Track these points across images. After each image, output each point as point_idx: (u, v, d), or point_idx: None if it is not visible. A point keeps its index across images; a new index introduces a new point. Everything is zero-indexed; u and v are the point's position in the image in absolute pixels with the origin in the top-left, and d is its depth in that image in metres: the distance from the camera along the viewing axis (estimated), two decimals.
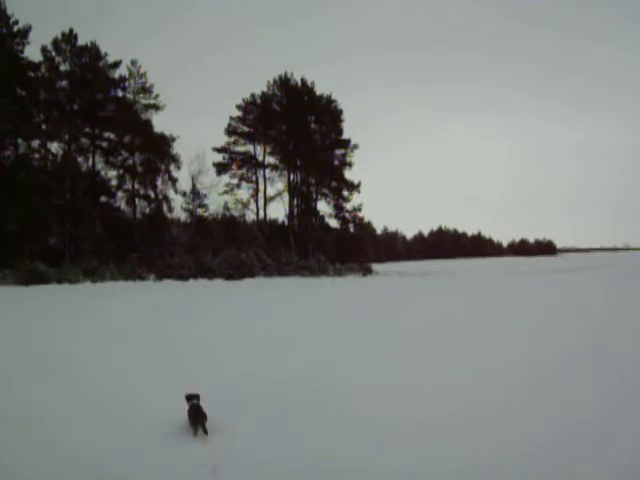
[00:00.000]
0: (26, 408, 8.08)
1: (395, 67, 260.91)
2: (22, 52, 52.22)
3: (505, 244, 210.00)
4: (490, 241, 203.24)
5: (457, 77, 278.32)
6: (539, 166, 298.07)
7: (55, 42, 54.10)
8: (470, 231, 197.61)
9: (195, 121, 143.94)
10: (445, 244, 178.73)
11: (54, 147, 54.88)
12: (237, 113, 67.05)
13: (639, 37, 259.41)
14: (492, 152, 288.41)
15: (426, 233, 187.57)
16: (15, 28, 51.89)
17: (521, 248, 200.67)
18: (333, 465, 5.79)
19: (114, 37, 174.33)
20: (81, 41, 55.20)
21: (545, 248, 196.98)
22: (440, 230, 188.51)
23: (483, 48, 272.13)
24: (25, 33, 52.17)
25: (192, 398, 7.23)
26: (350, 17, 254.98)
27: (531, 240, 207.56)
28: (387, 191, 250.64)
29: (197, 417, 6.90)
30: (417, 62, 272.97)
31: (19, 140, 52.65)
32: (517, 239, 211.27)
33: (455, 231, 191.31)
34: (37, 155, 54.47)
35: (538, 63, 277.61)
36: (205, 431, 6.78)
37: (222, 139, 67.23)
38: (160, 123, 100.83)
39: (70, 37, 54.55)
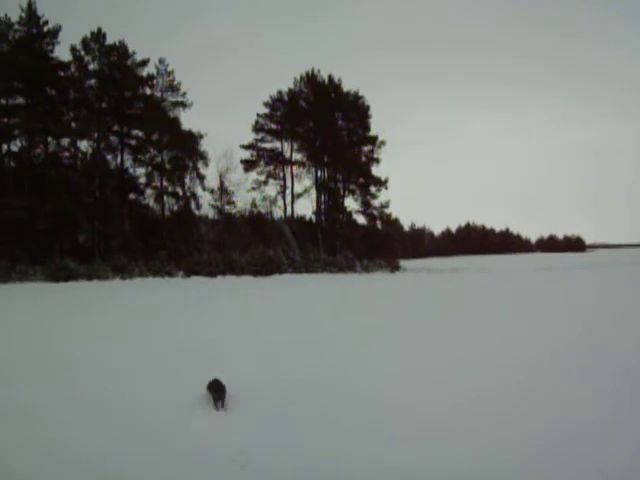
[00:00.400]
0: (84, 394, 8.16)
1: (423, 67, 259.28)
2: (52, 52, 52.90)
3: (533, 240, 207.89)
4: (518, 237, 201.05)
5: (484, 76, 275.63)
6: (569, 162, 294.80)
7: (84, 41, 54.58)
8: (498, 227, 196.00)
9: (222, 118, 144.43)
10: (473, 240, 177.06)
11: (83, 145, 55.60)
12: (264, 110, 67.20)
13: None
14: (521, 148, 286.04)
15: (454, 229, 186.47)
16: (45, 28, 52.50)
17: (550, 244, 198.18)
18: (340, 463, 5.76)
19: (140, 36, 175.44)
20: (109, 40, 55.71)
21: (574, 244, 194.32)
22: (468, 226, 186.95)
23: (506, 50, 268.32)
24: (55, 33, 52.78)
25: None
26: (378, 16, 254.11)
27: (560, 236, 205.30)
28: (415, 187, 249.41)
29: (217, 391, 7.44)
30: (443, 62, 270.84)
31: (49, 139, 53.31)
32: (546, 235, 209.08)
33: (483, 227, 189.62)
34: (67, 153, 55.20)
35: (561, 64, 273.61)
36: (223, 405, 7.40)
37: (249, 136, 67.40)
38: (188, 120, 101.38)
39: (99, 36, 55.01)
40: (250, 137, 66.71)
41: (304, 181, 67.15)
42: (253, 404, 7.79)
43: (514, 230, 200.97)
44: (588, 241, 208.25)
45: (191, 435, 6.30)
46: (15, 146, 52.58)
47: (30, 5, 51.70)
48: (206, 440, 6.18)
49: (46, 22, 52.38)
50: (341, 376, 9.48)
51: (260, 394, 8.28)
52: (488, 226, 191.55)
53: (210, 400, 7.48)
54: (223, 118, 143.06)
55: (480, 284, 33.97)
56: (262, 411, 7.53)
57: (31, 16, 51.86)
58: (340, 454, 5.97)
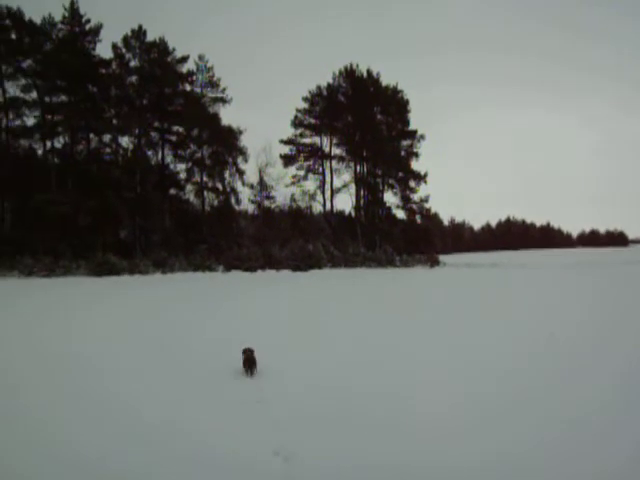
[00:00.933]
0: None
1: (463, 67, 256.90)
2: (94, 50, 53.72)
3: (575, 235, 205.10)
4: (559, 232, 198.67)
5: (524, 73, 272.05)
6: (612, 156, 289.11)
7: (125, 39, 55.27)
8: (539, 222, 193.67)
9: (261, 113, 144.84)
10: (513, 235, 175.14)
11: (124, 141, 56.50)
12: (303, 105, 67.26)
13: None
14: (563, 143, 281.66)
15: (494, 224, 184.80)
16: (87, 27, 53.28)
17: (591, 239, 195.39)
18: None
19: (177, 32, 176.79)
20: (149, 37, 56.27)
21: (616, 239, 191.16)
22: (508, 221, 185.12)
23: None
24: (97, 31, 53.62)
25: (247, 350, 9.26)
26: (421, 15, 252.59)
27: (602, 231, 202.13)
28: (455, 182, 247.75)
29: (249, 363, 9.04)
30: (485, 62, 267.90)
31: (91, 135, 54.15)
32: (587, 230, 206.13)
33: (523, 222, 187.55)
34: (108, 149, 55.95)
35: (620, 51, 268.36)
36: (252, 373, 8.99)
37: (288, 131, 67.60)
38: (227, 116, 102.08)
39: (139, 33, 55.61)
40: (289, 132, 66.97)
41: (343, 176, 67.22)
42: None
43: (555, 225, 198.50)
44: (631, 236, 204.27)
45: (235, 388, 8.36)
46: (58, 143, 53.69)
47: (73, 4, 52.56)
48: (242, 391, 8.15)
49: (88, 20, 53.25)
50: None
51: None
52: (528, 221, 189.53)
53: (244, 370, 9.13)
54: (262, 113, 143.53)
55: (527, 281, 33.40)
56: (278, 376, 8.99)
57: (74, 15, 52.69)
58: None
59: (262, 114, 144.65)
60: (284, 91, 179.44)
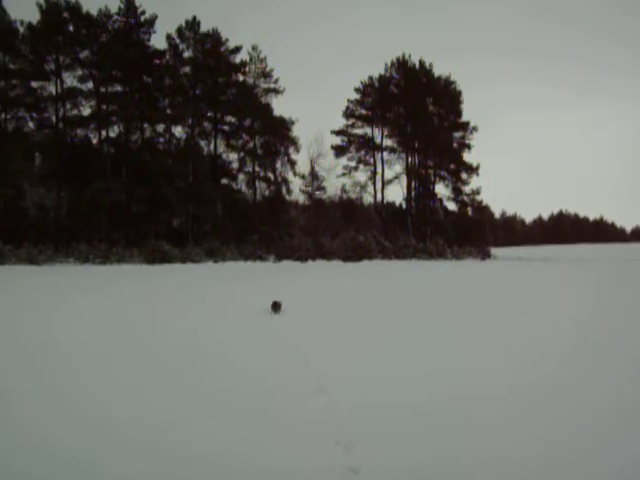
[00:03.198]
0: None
1: (520, 66, 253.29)
2: (148, 41, 54.28)
3: (629, 230, 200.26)
4: (612, 226, 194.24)
5: (576, 76, 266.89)
6: None
7: (179, 30, 55.77)
8: (592, 216, 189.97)
9: (313, 103, 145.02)
10: (565, 229, 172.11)
11: (178, 131, 57.01)
12: (355, 96, 66.96)
13: None
14: (617, 135, 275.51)
15: (546, 217, 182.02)
16: (142, 18, 53.90)
17: None
18: None
19: (231, 22, 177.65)
20: (203, 28, 56.68)
21: None
22: (560, 214, 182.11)
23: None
24: (151, 22, 54.17)
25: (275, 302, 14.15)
26: (481, 12, 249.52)
27: None
28: (507, 174, 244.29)
29: (275, 306, 14.00)
30: (540, 63, 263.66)
31: (145, 125, 54.82)
32: None
33: (576, 215, 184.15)
34: (162, 139, 56.59)
35: None
36: (277, 312, 13.87)
37: (340, 122, 67.51)
38: (280, 106, 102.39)
39: (193, 24, 56.04)
40: (341, 123, 66.87)
41: (394, 167, 66.76)
42: None
43: (608, 219, 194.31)
44: None
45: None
46: (113, 132, 54.44)
47: None
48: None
49: (143, 12, 53.82)
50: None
51: None
52: (581, 214, 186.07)
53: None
54: (314, 104, 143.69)
55: (571, 274, 32.68)
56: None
57: (129, 7, 53.34)
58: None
59: (314, 104, 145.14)
60: (336, 82, 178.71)
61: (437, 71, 67.82)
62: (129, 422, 5.74)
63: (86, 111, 53.15)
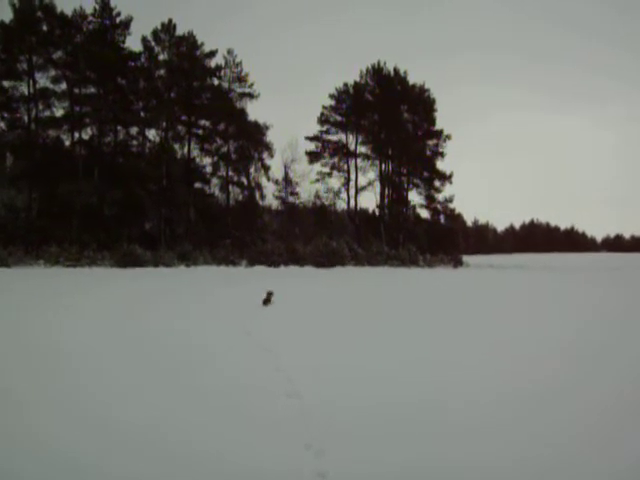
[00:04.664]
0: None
1: (490, 69, 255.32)
2: (123, 42, 54.09)
3: (599, 239, 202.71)
4: (583, 236, 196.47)
5: (548, 78, 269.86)
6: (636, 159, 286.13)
7: (155, 32, 55.55)
8: (563, 225, 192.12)
9: (287, 109, 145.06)
10: (537, 238, 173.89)
11: (151, 134, 56.73)
12: (330, 102, 67.11)
13: None
14: (587, 146, 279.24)
15: (517, 226, 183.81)
16: (117, 20, 53.65)
17: (616, 244, 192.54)
18: None
19: (204, 25, 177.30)
20: (179, 31, 56.55)
21: None
22: (532, 223, 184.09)
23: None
24: (127, 24, 53.99)
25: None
26: (450, 16, 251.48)
27: (627, 236, 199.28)
28: (479, 183, 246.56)
29: (266, 300, 16.34)
30: (512, 65, 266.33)
31: (119, 127, 54.57)
32: (612, 234, 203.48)
33: (547, 225, 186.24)
34: (135, 142, 56.32)
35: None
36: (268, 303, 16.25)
37: (315, 128, 67.52)
38: (254, 111, 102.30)
39: (169, 27, 55.87)
40: (315, 129, 66.85)
41: (368, 174, 66.80)
42: None
43: (579, 228, 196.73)
44: None
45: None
46: (86, 134, 54.13)
47: None
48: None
49: (118, 14, 53.65)
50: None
51: None
52: (553, 224, 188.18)
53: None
54: (288, 109, 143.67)
55: (557, 285, 32.98)
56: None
57: (104, 8, 53.08)
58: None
59: (288, 110, 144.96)
60: (311, 88, 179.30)
61: (411, 78, 68.28)
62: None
63: (59, 112, 52.82)
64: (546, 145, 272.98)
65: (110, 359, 9.13)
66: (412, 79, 67.80)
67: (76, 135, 53.16)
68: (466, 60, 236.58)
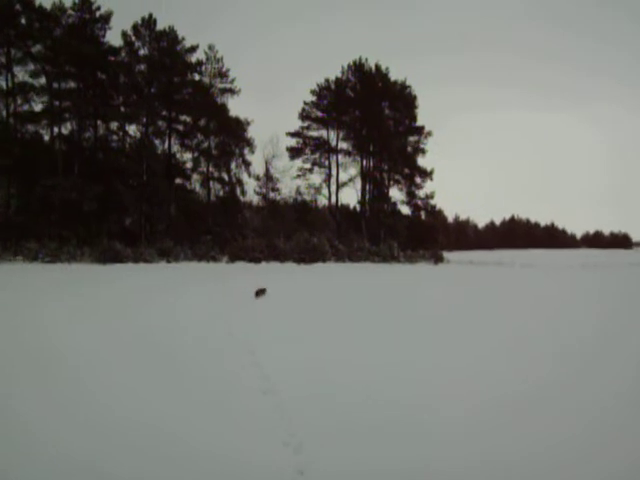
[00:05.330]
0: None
1: (472, 68, 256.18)
2: (103, 37, 53.66)
3: (579, 236, 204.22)
4: (563, 232, 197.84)
5: (530, 75, 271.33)
6: (619, 159, 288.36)
7: (135, 27, 55.29)
8: (543, 222, 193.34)
9: (269, 105, 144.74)
10: (517, 234, 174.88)
11: (132, 129, 56.45)
12: (311, 98, 67.05)
13: None
14: (569, 144, 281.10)
15: (498, 222, 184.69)
16: (97, 14, 53.20)
17: (595, 240, 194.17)
18: None
19: (186, 22, 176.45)
20: (159, 26, 56.29)
21: (620, 241, 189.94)
22: (512, 220, 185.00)
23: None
24: (107, 18, 53.50)
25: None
26: (431, 15, 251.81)
27: (606, 233, 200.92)
28: (460, 179, 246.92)
29: (259, 292, 18.37)
30: (493, 63, 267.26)
31: (99, 122, 54.17)
32: (591, 231, 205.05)
33: (528, 221, 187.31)
34: (115, 137, 55.98)
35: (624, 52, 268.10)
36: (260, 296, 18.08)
37: (296, 123, 67.44)
38: (235, 107, 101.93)
39: (150, 22, 55.62)
40: (296, 124, 66.78)
41: (349, 170, 66.85)
42: None
43: (559, 225, 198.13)
44: (635, 238, 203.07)
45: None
46: (65, 129, 53.63)
47: None
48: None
49: (98, 8, 53.14)
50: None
51: None
52: (533, 220, 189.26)
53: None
54: (270, 105, 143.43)
55: (537, 282, 33.15)
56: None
57: (84, 2, 52.57)
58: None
59: (270, 106, 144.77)
60: (293, 84, 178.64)
61: (393, 75, 68.30)
62: None
63: (38, 107, 52.19)
64: (527, 142, 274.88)
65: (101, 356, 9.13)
66: (393, 76, 67.91)
67: (55, 130, 52.73)
68: (448, 58, 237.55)
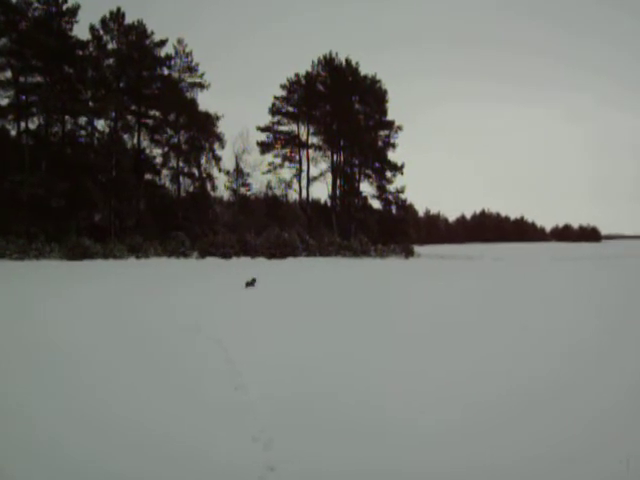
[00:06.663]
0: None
1: (444, 60, 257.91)
2: (70, 30, 52.86)
3: (548, 229, 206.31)
4: (533, 226, 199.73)
5: (502, 72, 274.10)
6: (589, 154, 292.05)
7: (103, 21, 54.76)
8: (513, 215, 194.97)
9: (239, 100, 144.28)
10: (487, 228, 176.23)
11: (100, 124, 55.74)
12: (281, 93, 67.03)
13: None
14: (537, 139, 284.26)
15: (468, 216, 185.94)
16: (64, 7, 52.48)
17: (564, 234, 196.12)
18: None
19: (157, 17, 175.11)
20: (128, 20, 55.75)
21: (589, 234, 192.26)
22: (483, 213, 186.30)
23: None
24: (74, 12, 52.72)
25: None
26: (403, 9, 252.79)
27: (575, 226, 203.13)
28: (430, 174, 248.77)
29: (250, 282, 20.78)
30: (462, 58, 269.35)
31: (66, 117, 53.46)
32: (560, 224, 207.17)
33: (498, 215, 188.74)
34: (84, 132, 55.30)
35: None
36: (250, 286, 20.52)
37: (266, 118, 67.34)
38: (205, 102, 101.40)
39: (118, 16, 55.09)
40: (267, 119, 66.73)
41: (320, 165, 67.10)
42: None
43: (529, 218, 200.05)
44: (604, 232, 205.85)
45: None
46: (32, 124, 52.70)
47: None
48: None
49: (65, 1, 52.34)
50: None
51: None
52: (503, 214, 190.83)
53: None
54: (240, 100, 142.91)
55: (503, 276, 33.45)
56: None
57: None
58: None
59: (240, 101, 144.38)
60: (263, 78, 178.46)
61: (363, 69, 68.49)
62: None
63: (4, 101, 51.34)
64: (498, 136, 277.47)
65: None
66: (364, 71, 68.08)
67: (22, 125, 51.90)
68: (420, 52, 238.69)
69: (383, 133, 68.74)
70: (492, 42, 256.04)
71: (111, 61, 55.23)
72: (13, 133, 52.40)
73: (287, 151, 66.56)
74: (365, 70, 68.13)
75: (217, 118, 59.82)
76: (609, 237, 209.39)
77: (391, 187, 67.28)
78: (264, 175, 64.78)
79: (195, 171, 60.03)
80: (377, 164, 67.58)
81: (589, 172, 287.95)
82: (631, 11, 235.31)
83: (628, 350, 10.08)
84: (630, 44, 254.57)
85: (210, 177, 60.23)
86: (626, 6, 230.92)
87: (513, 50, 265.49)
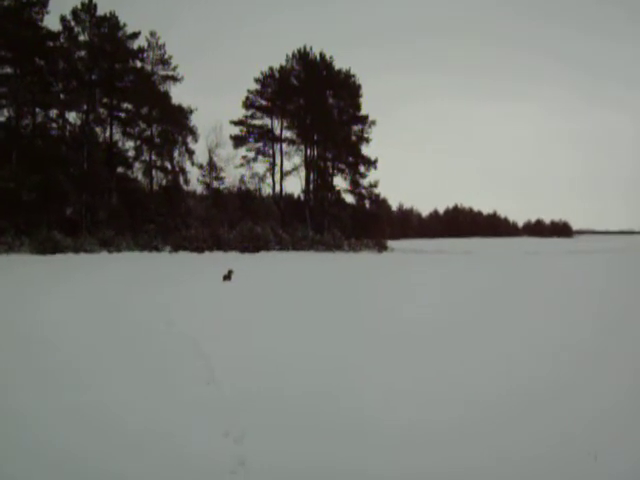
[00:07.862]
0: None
1: (418, 56, 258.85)
2: (41, 21, 52.17)
3: (521, 224, 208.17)
4: (505, 221, 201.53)
5: (479, 66, 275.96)
6: (561, 151, 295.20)
7: (74, 12, 54.08)
8: (486, 210, 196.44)
9: (213, 94, 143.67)
10: (460, 223, 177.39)
11: (72, 117, 55.11)
12: (255, 86, 66.77)
13: None
14: (512, 136, 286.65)
15: (442, 211, 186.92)
16: None
17: (537, 229, 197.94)
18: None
19: (134, 9, 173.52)
20: (100, 11, 55.16)
21: (561, 229, 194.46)
22: (456, 208, 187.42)
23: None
24: (44, 2, 52.02)
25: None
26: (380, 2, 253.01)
27: (547, 221, 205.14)
28: (404, 169, 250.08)
29: (228, 275, 21.19)
30: (441, 52, 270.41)
31: (37, 109, 52.86)
32: (533, 219, 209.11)
33: (471, 210, 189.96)
34: (55, 125, 54.72)
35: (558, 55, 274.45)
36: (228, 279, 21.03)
37: (239, 112, 67.10)
38: (178, 95, 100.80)
39: (89, 7, 54.46)
40: (240, 113, 66.46)
41: (293, 159, 66.93)
42: None
43: (501, 214, 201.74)
44: (576, 227, 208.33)
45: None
46: (2, 116, 52.04)
47: None
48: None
49: None
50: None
51: None
52: (476, 209, 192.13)
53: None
54: (213, 93, 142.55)
55: (477, 270, 33.82)
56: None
57: None
58: None
59: (213, 94, 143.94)
60: (236, 72, 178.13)
61: (338, 64, 68.48)
62: None
63: None
64: (471, 131, 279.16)
65: None
66: (338, 65, 68.06)
67: None
68: (394, 47, 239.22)
69: (357, 128, 68.85)
70: (467, 35, 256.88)
71: (83, 53, 54.54)
72: None
73: (260, 145, 66.40)
74: (340, 65, 67.98)
75: (190, 111, 59.50)
76: (580, 232, 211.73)
77: (365, 182, 67.49)
78: (237, 169, 64.68)
79: (168, 165, 59.71)
80: (351, 158, 67.67)
81: (563, 169, 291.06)
82: (627, 8, 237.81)
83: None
84: (624, 41, 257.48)
85: (183, 171, 59.92)
86: (622, 3, 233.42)
87: (496, 43, 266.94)
